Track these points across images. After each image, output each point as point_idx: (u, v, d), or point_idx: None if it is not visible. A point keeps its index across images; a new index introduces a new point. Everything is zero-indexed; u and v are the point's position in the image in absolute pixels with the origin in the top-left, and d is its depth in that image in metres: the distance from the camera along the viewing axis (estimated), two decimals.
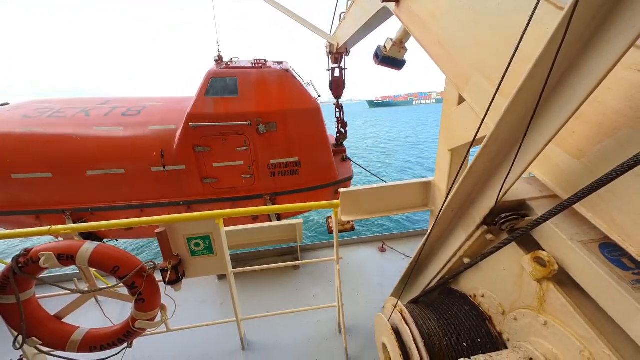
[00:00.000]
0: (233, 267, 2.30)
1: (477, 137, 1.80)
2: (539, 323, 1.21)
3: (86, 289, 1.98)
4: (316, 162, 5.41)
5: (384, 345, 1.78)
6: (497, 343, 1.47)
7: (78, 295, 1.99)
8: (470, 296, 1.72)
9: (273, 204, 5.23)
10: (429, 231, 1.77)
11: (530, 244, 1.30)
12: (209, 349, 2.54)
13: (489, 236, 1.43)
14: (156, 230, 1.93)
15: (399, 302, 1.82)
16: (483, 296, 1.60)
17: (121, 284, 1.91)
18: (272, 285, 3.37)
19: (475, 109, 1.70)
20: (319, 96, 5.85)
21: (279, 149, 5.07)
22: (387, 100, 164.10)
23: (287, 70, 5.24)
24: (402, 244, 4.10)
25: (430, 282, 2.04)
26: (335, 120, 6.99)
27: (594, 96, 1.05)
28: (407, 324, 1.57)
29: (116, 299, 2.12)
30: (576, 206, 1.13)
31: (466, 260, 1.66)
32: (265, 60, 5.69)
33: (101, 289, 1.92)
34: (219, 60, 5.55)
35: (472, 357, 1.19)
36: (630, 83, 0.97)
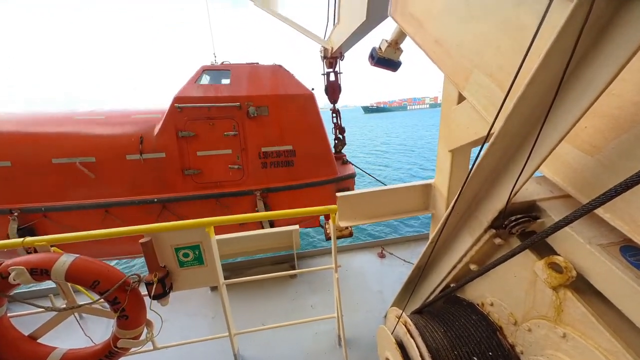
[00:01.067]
0: (225, 278, 2.17)
1: (481, 137, 1.74)
2: (556, 335, 1.11)
3: (64, 306, 1.82)
4: (313, 152, 4.86)
5: (386, 359, 1.66)
6: (509, 356, 1.36)
7: (55, 313, 1.83)
8: (478, 305, 1.62)
9: (264, 202, 4.71)
10: (433, 237, 1.67)
11: (542, 248, 1.21)
12: None
13: (498, 240, 1.33)
14: (141, 241, 1.80)
15: (403, 313, 1.70)
16: (492, 305, 1.50)
17: (102, 300, 1.77)
18: (267, 295, 3.22)
19: (476, 107, 1.63)
20: (313, 89, 5.65)
21: (271, 136, 4.60)
22: (382, 105, 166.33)
23: (280, 66, 5.20)
24: (402, 249, 3.99)
25: (434, 290, 1.93)
26: (333, 126, 6.82)
27: (608, 88, 0.98)
28: (412, 337, 1.46)
29: (97, 315, 1.96)
30: None
31: (472, 267, 1.56)
32: (257, 63, 5.65)
33: (80, 306, 1.77)
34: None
35: None
36: None
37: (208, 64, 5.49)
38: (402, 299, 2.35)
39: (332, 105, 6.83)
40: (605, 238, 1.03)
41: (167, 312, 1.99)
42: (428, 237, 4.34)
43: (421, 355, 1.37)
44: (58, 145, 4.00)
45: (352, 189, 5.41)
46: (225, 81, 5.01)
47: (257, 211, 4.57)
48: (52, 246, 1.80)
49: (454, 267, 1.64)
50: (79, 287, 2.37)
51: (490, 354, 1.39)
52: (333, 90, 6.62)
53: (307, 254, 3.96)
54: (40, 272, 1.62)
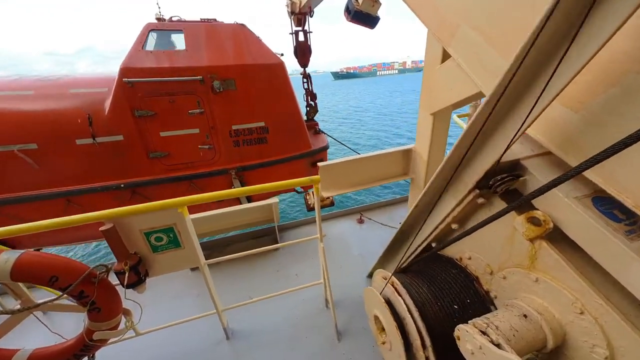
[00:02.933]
0: (206, 257, 2.06)
1: (464, 98, 1.71)
2: (530, 280, 1.22)
3: (18, 307, 1.60)
4: (286, 127, 4.69)
5: (375, 317, 1.77)
6: (484, 301, 1.52)
7: (8, 315, 1.61)
8: (456, 259, 1.74)
9: (240, 181, 4.60)
10: (416, 201, 1.70)
11: (520, 204, 1.28)
12: (191, 345, 2.36)
13: (481, 200, 1.38)
14: (101, 228, 1.58)
15: (388, 273, 1.78)
16: (470, 258, 1.62)
17: (65, 296, 1.58)
18: (251, 269, 3.21)
19: (462, 65, 1.57)
20: (282, 55, 5.14)
21: (241, 112, 4.32)
22: (352, 71, 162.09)
23: (243, 25, 4.58)
24: (380, 214, 4.15)
25: (416, 249, 2.04)
26: (304, 92, 6.40)
27: None
28: (399, 295, 1.54)
29: (62, 311, 1.78)
30: (570, 161, 1.10)
31: (454, 226, 1.64)
32: (215, 20, 4.91)
33: (37, 305, 1.56)
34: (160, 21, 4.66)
35: (470, 322, 1.18)
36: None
37: (153, 20, 4.63)
38: (386, 260, 2.48)
39: (302, 69, 6.37)
40: (579, 191, 1.10)
41: (148, 297, 1.87)
42: (405, 200, 4.55)
43: (409, 310, 1.46)
44: None
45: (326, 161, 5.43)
46: (179, 43, 4.30)
47: None
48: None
49: (436, 227, 1.71)
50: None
51: (468, 301, 1.53)
52: (303, 53, 6.12)
53: (288, 226, 3.95)
54: None
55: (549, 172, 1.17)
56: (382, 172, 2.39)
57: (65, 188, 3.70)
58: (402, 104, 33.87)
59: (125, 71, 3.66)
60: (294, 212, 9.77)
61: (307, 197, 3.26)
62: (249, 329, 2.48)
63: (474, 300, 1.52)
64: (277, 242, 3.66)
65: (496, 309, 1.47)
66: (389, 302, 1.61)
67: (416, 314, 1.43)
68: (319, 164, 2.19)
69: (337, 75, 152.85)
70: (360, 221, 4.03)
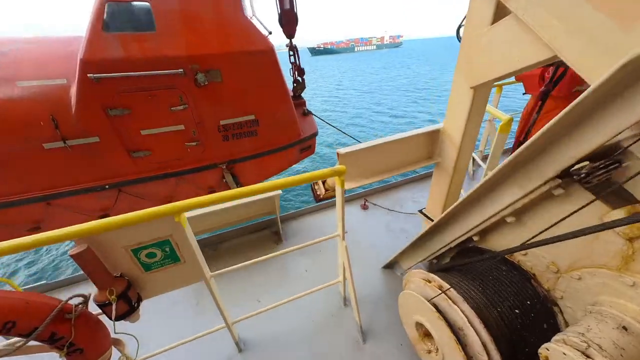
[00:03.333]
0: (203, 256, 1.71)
1: (526, 65, 1.42)
2: (621, 283, 1.05)
3: None
4: (277, 118, 4.44)
5: (417, 323, 1.58)
6: (546, 301, 1.36)
7: None
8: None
9: (231, 174, 4.29)
10: (470, 190, 1.46)
11: (613, 196, 1.07)
12: None
13: (558, 191, 1.16)
14: (71, 252, 1.17)
15: (428, 273, 1.58)
16: (525, 254, 1.44)
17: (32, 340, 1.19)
18: (255, 268, 2.91)
19: (528, 22, 1.27)
20: (270, 33, 4.53)
21: (230, 106, 3.91)
22: (329, 47, 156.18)
23: None
24: (384, 198, 3.97)
25: (449, 243, 1.84)
26: (291, 66, 5.81)
27: None
28: (454, 303, 1.34)
29: (32, 353, 1.39)
30: None
31: (510, 219, 1.43)
32: None
33: None
34: None
35: (558, 337, 1.00)
36: None
37: None
38: (411, 253, 2.29)
39: (288, 40, 5.75)
40: None
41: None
42: (407, 183, 4.39)
43: (469, 321, 1.27)
44: None
45: (314, 146, 5.29)
46: (145, 17, 3.48)
47: (225, 183, 4.05)
48: None
49: (486, 220, 1.50)
50: None
51: (528, 302, 1.37)
52: (288, 21, 5.45)
53: (291, 216, 3.64)
54: None
55: None
56: (407, 157, 2.12)
57: (45, 191, 3.28)
58: (381, 81, 33.46)
59: (87, 64, 2.96)
60: (284, 194, 9.43)
61: (316, 187, 2.90)
62: (262, 337, 2.23)
63: (535, 301, 1.36)
64: (279, 235, 3.37)
65: (560, 310, 1.32)
66: (438, 309, 1.41)
67: (480, 326, 1.24)
68: (339, 150, 1.86)
69: (315, 51, 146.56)
70: (365, 207, 3.82)
